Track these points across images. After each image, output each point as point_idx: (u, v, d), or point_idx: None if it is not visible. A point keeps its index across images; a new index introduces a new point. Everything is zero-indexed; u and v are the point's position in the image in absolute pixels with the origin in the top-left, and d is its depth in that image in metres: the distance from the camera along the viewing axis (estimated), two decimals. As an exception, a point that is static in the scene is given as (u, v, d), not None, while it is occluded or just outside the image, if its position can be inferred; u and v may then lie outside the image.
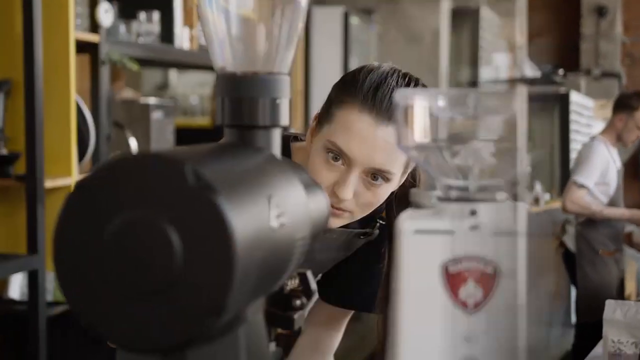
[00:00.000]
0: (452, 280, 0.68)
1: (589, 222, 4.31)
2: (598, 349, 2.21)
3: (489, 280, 0.67)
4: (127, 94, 4.61)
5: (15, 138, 2.45)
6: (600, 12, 9.18)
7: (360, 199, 1.26)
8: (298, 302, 0.86)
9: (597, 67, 8.56)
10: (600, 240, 4.33)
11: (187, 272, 0.60)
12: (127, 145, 2.92)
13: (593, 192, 4.23)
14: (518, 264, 0.67)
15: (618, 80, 9.12)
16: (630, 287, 6.14)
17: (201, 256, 0.60)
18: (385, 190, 1.28)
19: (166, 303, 0.61)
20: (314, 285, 0.87)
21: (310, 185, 0.85)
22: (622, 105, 4.26)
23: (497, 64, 5.45)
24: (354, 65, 5.91)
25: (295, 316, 0.86)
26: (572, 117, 6.97)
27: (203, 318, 0.61)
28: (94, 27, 2.68)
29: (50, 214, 2.42)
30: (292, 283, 0.86)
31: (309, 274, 0.86)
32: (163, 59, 3.22)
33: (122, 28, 2.95)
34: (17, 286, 2.75)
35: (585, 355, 4.22)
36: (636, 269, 6.94)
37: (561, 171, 7.19)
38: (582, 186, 4.18)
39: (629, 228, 4.85)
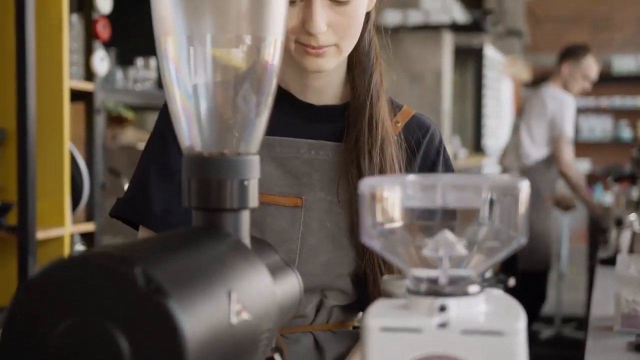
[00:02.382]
0: (420, 381, 0.65)
1: (536, 167, 4.31)
2: (608, 309, 1.95)
3: (458, 381, 0.64)
4: (130, 135, 4.61)
5: (7, 188, 2.43)
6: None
7: (336, 28, 1.16)
8: (270, 388, 0.83)
9: (500, 24, 8.51)
10: (546, 186, 4.32)
11: (137, 379, 0.57)
12: (123, 193, 2.89)
13: None
14: (489, 364, 0.64)
15: (520, 39, 9.18)
16: None
17: (151, 363, 0.57)
18: (357, 8, 1.17)
19: (115, 411, 0.58)
20: (284, 370, 0.83)
21: (280, 268, 0.82)
22: (570, 53, 4.38)
23: (426, 8, 5.38)
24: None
25: (270, 403, 0.83)
26: (485, 71, 6.99)
27: None
28: (90, 74, 2.67)
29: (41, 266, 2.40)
30: (262, 370, 0.83)
31: (277, 357, 0.82)
32: (160, 105, 3.20)
33: (119, 74, 2.94)
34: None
35: (527, 308, 4.17)
36: None
37: (474, 126, 7.16)
38: (571, 141, 4.25)
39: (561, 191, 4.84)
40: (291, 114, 1.25)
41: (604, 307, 2.09)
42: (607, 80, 9.65)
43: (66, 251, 2.51)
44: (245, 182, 0.77)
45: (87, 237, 2.77)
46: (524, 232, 0.67)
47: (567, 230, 5.91)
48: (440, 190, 0.67)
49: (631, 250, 2.78)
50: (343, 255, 1.23)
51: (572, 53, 4.38)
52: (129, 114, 2.71)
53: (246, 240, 0.77)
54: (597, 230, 4.41)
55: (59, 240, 2.50)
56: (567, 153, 4.25)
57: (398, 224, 0.69)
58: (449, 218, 0.69)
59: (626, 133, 9.85)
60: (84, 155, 2.67)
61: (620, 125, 9.91)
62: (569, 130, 4.26)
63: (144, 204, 1.22)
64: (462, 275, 0.68)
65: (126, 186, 2.99)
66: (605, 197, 5.79)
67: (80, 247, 2.78)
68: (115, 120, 4.36)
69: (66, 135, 2.48)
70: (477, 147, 7.23)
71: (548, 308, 5.56)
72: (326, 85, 1.27)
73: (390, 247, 0.69)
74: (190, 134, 0.78)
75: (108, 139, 3.22)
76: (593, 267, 3.55)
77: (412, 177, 0.70)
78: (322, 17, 1.13)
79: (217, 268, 0.68)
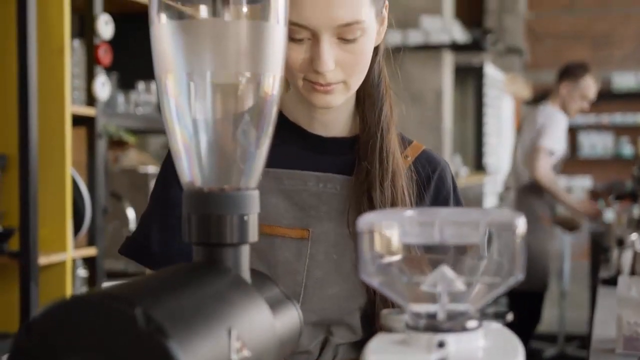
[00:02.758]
0: (420, 417, 0.65)
1: (531, 187, 4.26)
2: (610, 331, 1.92)
3: (457, 418, 0.64)
4: (133, 157, 4.63)
5: (9, 213, 2.43)
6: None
7: (344, 66, 1.15)
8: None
9: (500, 42, 8.57)
10: (542, 206, 4.27)
11: (138, 419, 0.58)
12: (125, 217, 2.90)
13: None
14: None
15: (520, 56, 9.23)
16: None
17: (152, 403, 0.58)
18: (365, 44, 1.16)
19: None
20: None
21: (280, 301, 0.83)
22: (568, 73, 4.35)
23: (426, 28, 5.40)
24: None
25: None
26: (485, 90, 7.00)
27: None
28: (91, 99, 2.69)
29: (44, 291, 2.40)
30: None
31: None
32: (161, 128, 3.22)
33: (121, 98, 2.96)
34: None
35: (521, 327, 4.06)
36: None
37: (475, 145, 7.16)
38: (551, 153, 4.18)
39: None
40: (299, 146, 1.26)
41: (606, 328, 2.08)
42: (608, 97, 9.69)
43: (68, 276, 2.51)
44: (245, 217, 0.77)
45: (89, 262, 2.78)
46: (521, 268, 0.68)
47: (569, 247, 5.90)
48: (438, 226, 0.68)
49: (633, 270, 2.77)
50: (351, 288, 1.22)
51: (570, 73, 4.36)
52: (130, 139, 2.73)
53: (246, 274, 0.77)
54: (599, 249, 4.39)
55: (61, 265, 2.51)
56: (541, 161, 4.18)
57: (396, 259, 0.70)
58: (447, 253, 0.70)
59: (627, 149, 9.87)
60: (86, 179, 2.68)
61: (621, 141, 9.93)
62: (548, 142, 4.19)
63: (144, 244, 1.25)
64: (460, 311, 0.69)
65: (128, 210, 3.01)
66: (607, 213, 5.77)
67: (82, 272, 2.79)
68: (117, 143, 4.38)
69: (68, 160, 2.49)
70: (478, 165, 7.24)
71: (551, 326, 5.55)
72: (334, 119, 1.27)
73: (388, 283, 0.70)
74: (190, 169, 0.79)
75: (110, 161, 3.24)
76: (595, 286, 3.55)
77: (409, 213, 0.71)
78: (330, 56, 1.12)
79: (217, 305, 0.68)
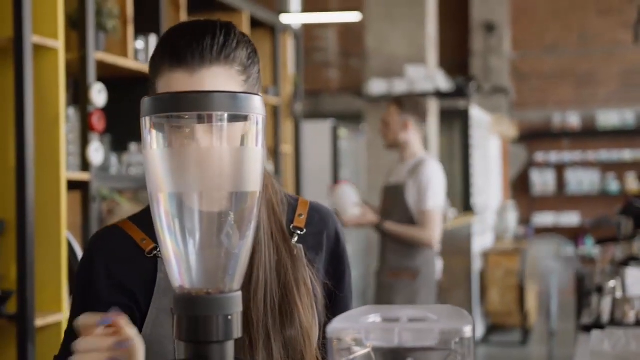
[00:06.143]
0: None
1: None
2: None
3: None
4: (126, 208, 4.70)
5: (7, 276, 2.52)
6: (489, 28, 9.52)
7: None
8: None
9: (486, 82, 8.74)
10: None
11: None
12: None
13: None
14: None
15: (506, 96, 9.39)
16: None
17: None
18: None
19: None
20: None
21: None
22: None
23: (411, 77, 5.45)
24: (344, 173, 6.09)
25: None
26: (471, 131, 7.11)
27: None
28: (86, 164, 2.78)
29: (40, 352, 2.48)
30: None
31: None
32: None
33: (114, 160, 3.06)
34: None
35: None
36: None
37: (462, 186, 7.25)
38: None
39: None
40: None
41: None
42: (593, 135, 9.86)
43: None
44: (229, 317, 0.88)
45: (84, 319, 2.84)
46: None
47: (555, 286, 5.98)
48: (397, 332, 0.78)
49: (612, 317, 2.86)
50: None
51: None
52: (122, 201, 2.83)
53: (231, 369, 0.87)
54: (583, 290, 4.46)
55: (57, 325, 2.58)
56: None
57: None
58: (408, 354, 0.79)
59: (613, 186, 10.00)
60: (80, 241, 2.77)
61: (607, 178, 10.06)
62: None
63: None
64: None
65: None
66: (594, 250, 5.81)
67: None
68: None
69: (63, 224, 2.59)
70: (466, 206, 7.33)
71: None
72: None
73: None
74: (180, 274, 0.89)
75: (104, 214, 3.32)
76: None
77: (373, 319, 0.80)
78: None
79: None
